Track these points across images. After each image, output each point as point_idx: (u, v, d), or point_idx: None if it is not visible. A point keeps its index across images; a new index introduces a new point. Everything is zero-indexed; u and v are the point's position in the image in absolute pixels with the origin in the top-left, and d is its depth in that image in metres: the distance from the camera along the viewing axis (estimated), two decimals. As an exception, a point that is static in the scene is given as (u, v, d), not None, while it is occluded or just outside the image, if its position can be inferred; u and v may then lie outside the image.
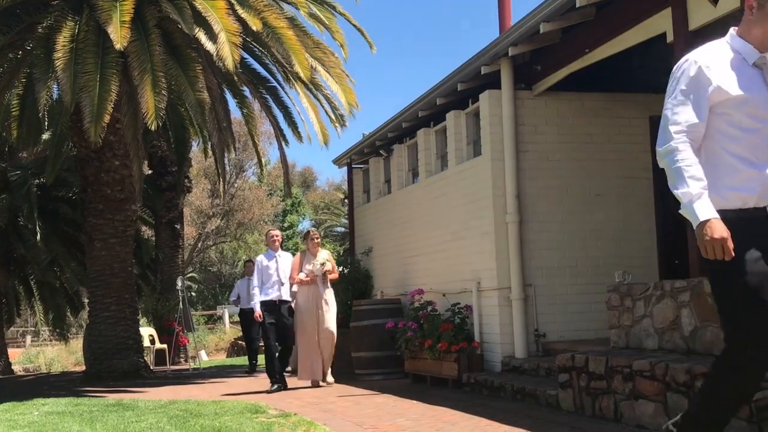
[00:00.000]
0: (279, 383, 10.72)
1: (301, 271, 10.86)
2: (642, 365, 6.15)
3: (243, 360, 20.87)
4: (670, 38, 7.21)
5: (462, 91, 10.28)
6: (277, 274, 10.98)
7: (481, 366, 9.65)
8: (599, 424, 6.42)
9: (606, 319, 7.61)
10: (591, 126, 9.86)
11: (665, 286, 6.68)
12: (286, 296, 10.99)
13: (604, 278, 9.01)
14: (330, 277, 10.90)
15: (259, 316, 10.85)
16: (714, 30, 7.75)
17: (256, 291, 10.97)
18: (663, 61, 8.21)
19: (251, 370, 14.85)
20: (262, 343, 12.91)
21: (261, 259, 11.22)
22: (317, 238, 11.22)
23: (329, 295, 10.90)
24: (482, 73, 9.63)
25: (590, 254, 9.68)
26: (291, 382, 11.23)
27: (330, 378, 10.92)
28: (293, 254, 11.66)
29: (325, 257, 10.89)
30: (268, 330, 10.87)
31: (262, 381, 12.09)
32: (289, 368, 12.52)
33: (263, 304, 10.91)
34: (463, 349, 9.62)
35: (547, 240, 9.59)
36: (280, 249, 11.29)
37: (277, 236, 11.45)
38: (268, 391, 10.50)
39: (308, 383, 10.94)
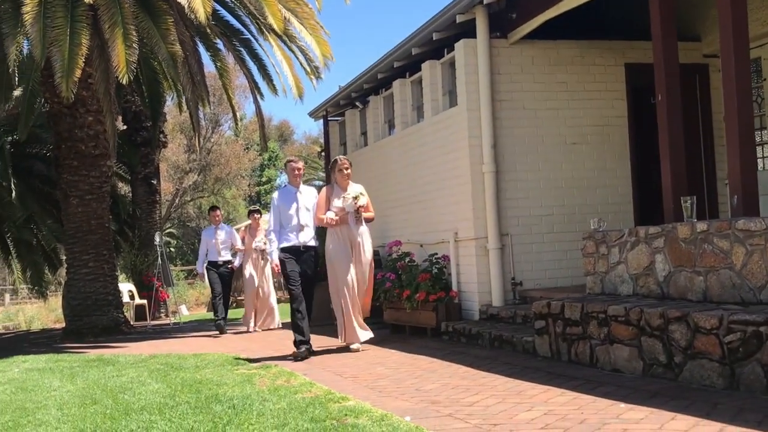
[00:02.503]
0: (308, 344, 8.79)
1: (328, 209, 8.98)
2: (617, 310, 6.24)
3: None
4: (644, -16, 7.17)
5: (437, 41, 10.22)
6: (298, 215, 9.07)
7: (459, 315, 9.74)
8: (575, 368, 6.52)
9: (582, 266, 7.69)
10: (566, 74, 9.85)
11: (639, 233, 6.75)
12: (311, 241, 9.12)
13: (579, 226, 9.11)
14: (365, 215, 9.03)
15: (277, 266, 9.03)
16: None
17: (273, 236, 9.04)
18: (638, 8, 8.20)
19: (220, 329, 12.76)
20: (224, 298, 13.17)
21: (277, 196, 9.27)
22: (347, 168, 9.12)
23: (365, 236, 9.07)
24: (457, 21, 9.56)
25: (566, 202, 9.74)
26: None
27: (365, 336, 9.05)
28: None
29: (358, 191, 8.99)
30: (293, 279, 8.86)
31: (244, 338, 12.13)
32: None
33: (284, 251, 8.97)
34: (441, 299, 9.70)
35: (523, 189, 9.63)
36: (302, 184, 9.34)
37: (299, 168, 9.36)
38: (295, 357, 8.58)
39: (349, 344, 9.05)
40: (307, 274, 9.00)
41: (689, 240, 6.14)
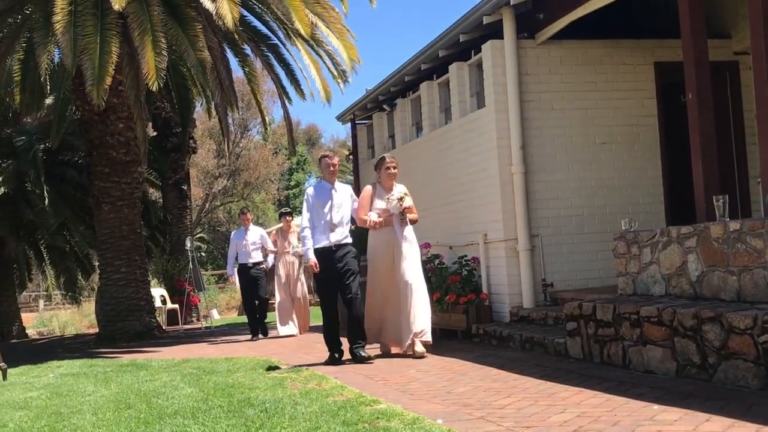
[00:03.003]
0: (341, 357, 8.45)
1: (371, 209, 8.59)
2: (649, 311, 6.19)
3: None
4: (672, -18, 7.12)
5: (464, 43, 10.20)
6: (333, 212, 8.57)
7: (490, 317, 9.71)
8: (608, 370, 6.48)
9: (613, 266, 7.63)
10: (595, 74, 9.79)
11: (672, 233, 6.69)
12: (345, 239, 8.58)
13: (610, 226, 9.04)
14: (410, 216, 8.64)
15: (315, 265, 8.36)
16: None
17: (308, 233, 8.48)
18: (667, 6, 8.14)
19: (257, 334, 12.84)
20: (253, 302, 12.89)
21: (312, 192, 8.72)
22: (394, 167, 8.74)
23: (410, 238, 8.62)
24: (484, 23, 9.54)
25: (596, 203, 9.68)
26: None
27: (419, 347, 8.36)
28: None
29: (402, 191, 8.63)
30: (326, 281, 8.49)
31: (275, 341, 12.19)
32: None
33: (317, 249, 8.46)
34: (471, 301, 9.68)
35: (552, 190, 9.58)
36: (337, 181, 8.79)
37: (334, 164, 8.74)
38: (327, 362, 8.33)
39: (378, 352, 8.79)
40: (347, 271, 8.40)
41: (722, 239, 6.08)
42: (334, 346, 8.44)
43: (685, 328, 5.81)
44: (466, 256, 10.09)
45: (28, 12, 13.36)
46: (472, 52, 10.35)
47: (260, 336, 12.76)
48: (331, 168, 8.70)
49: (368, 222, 8.51)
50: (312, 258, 8.41)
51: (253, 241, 12.98)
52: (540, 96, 9.62)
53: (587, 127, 9.74)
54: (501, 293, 9.68)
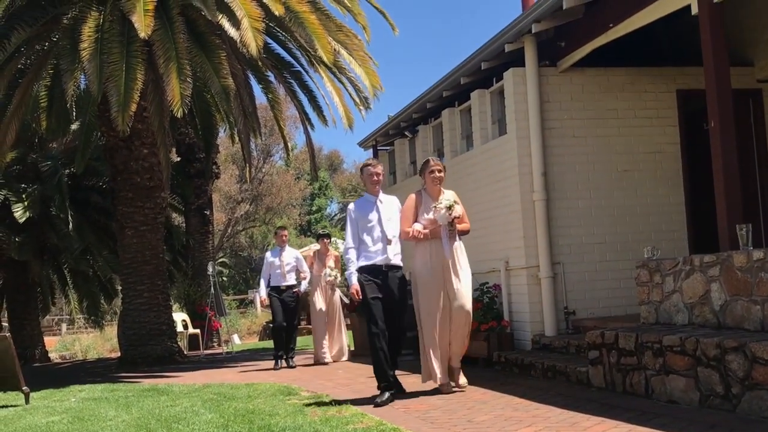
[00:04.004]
0: (393, 388, 7.44)
1: (415, 221, 7.60)
2: (672, 340, 6.14)
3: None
4: (695, 10, 7.13)
5: (486, 70, 10.25)
6: (380, 228, 7.67)
7: (511, 344, 9.66)
8: (630, 400, 6.42)
9: (635, 295, 7.59)
10: (617, 101, 9.79)
11: (694, 261, 6.65)
12: (397, 259, 7.68)
13: (632, 254, 8.99)
14: (459, 227, 7.57)
15: (357, 292, 7.52)
16: (738, 2, 7.67)
17: (352, 254, 7.62)
18: (688, 33, 8.14)
19: (282, 361, 12.01)
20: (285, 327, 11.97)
21: (354, 207, 7.88)
22: (440, 171, 7.67)
23: (460, 253, 7.59)
24: (506, 51, 9.58)
25: (618, 230, 9.64)
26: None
27: (463, 379, 7.78)
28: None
29: (451, 199, 7.55)
30: (374, 308, 7.45)
31: (297, 368, 12.16)
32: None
33: (363, 271, 7.57)
34: (493, 328, 9.64)
35: (574, 217, 9.56)
36: (381, 192, 7.86)
37: (378, 173, 7.86)
38: (376, 404, 7.12)
39: (431, 387, 7.73)
40: (393, 298, 7.53)
41: (745, 268, 6.03)
42: (386, 378, 7.41)
43: (708, 357, 5.76)
44: (487, 282, 10.06)
45: (55, 39, 13.56)
46: (494, 79, 10.39)
47: (283, 365, 11.96)
48: (375, 177, 7.78)
49: (411, 233, 7.48)
50: (354, 283, 7.53)
51: (288, 262, 12.22)
52: (562, 123, 9.62)
53: (609, 155, 9.72)
54: (523, 321, 9.64)
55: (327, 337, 12.36)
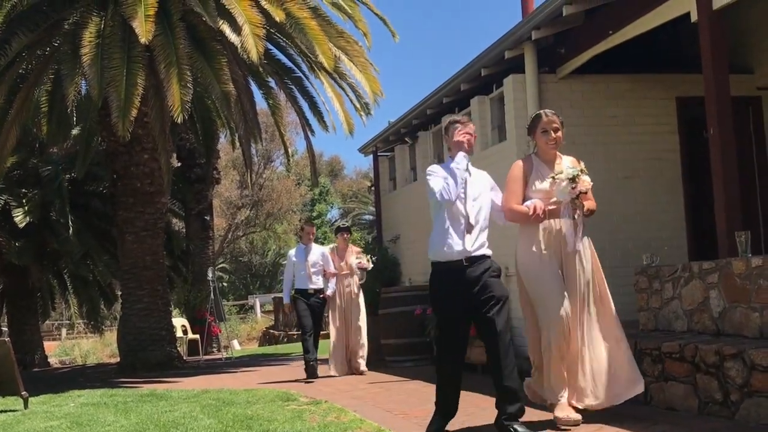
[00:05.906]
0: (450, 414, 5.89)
1: (525, 196, 5.91)
2: (671, 347, 6.14)
3: (274, 348, 21.07)
4: (694, 17, 7.14)
5: (486, 77, 10.26)
6: (464, 208, 5.78)
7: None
8: (629, 406, 6.41)
9: (634, 302, 7.58)
10: (616, 108, 9.79)
11: (693, 268, 6.65)
12: (484, 249, 5.77)
13: (631, 261, 8.97)
14: (587, 205, 5.85)
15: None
16: (738, 9, 7.69)
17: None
18: (689, 41, 8.16)
19: (311, 371, 10.54)
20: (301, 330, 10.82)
21: (437, 170, 5.89)
22: (557, 130, 6.00)
23: (585, 240, 5.94)
24: (506, 57, 9.60)
25: (618, 237, 9.62)
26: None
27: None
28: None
29: (575, 168, 5.84)
30: (447, 321, 5.85)
31: (295, 373, 12.13)
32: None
33: (436, 267, 5.85)
34: (492, 335, 9.59)
35: (574, 224, 9.53)
36: (470, 165, 5.91)
37: (469, 132, 5.84)
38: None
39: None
40: (490, 298, 5.58)
41: (744, 275, 6.03)
42: (444, 404, 5.84)
43: (707, 364, 5.76)
44: (486, 289, 10.02)
45: (56, 45, 13.58)
46: (494, 85, 10.40)
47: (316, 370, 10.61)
48: (464, 136, 5.75)
49: (530, 211, 5.66)
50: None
51: (314, 262, 10.88)
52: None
53: (609, 162, 9.72)
54: (522, 327, 9.61)
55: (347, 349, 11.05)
